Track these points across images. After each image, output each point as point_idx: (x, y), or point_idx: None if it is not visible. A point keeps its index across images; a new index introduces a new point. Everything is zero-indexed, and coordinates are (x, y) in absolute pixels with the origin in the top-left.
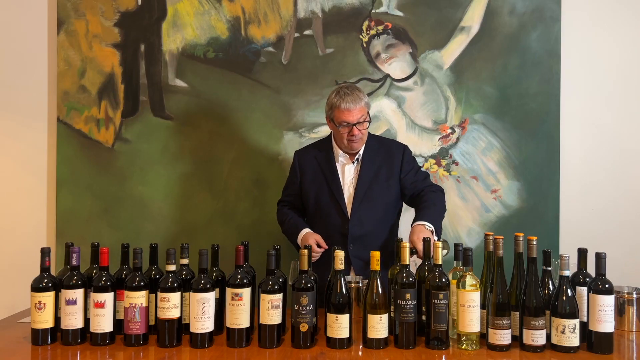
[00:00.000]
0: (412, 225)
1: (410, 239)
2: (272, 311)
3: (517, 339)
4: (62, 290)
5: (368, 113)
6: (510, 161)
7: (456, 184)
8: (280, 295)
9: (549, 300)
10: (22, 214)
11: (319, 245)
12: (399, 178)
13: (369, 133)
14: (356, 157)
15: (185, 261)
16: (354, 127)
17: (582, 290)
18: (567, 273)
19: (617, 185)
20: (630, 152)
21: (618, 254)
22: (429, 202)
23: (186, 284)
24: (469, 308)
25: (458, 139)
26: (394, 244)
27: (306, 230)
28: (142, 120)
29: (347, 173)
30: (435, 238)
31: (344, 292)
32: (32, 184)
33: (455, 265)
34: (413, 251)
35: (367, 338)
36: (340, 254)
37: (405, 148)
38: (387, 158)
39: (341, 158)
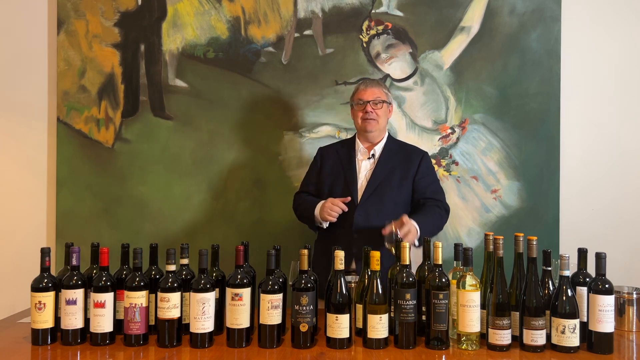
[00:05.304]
0: None
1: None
2: (272, 311)
3: (517, 339)
4: (62, 290)
5: (385, 101)
6: (510, 161)
7: (456, 184)
8: (280, 295)
9: (549, 300)
10: (22, 214)
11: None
12: (413, 181)
13: (392, 137)
14: (372, 152)
15: (185, 261)
16: (367, 104)
17: (582, 290)
18: (567, 273)
19: (617, 185)
20: (630, 152)
21: (618, 254)
22: (427, 211)
23: (186, 284)
24: (469, 308)
25: (458, 139)
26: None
27: (323, 200)
28: (142, 120)
29: (364, 168)
30: (417, 243)
31: (344, 292)
32: (32, 184)
33: (455, 265)
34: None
35: (367, 338)
36: (340, 254)
37: (425, 154)
38: (404, 161)
39: (359, 154)
